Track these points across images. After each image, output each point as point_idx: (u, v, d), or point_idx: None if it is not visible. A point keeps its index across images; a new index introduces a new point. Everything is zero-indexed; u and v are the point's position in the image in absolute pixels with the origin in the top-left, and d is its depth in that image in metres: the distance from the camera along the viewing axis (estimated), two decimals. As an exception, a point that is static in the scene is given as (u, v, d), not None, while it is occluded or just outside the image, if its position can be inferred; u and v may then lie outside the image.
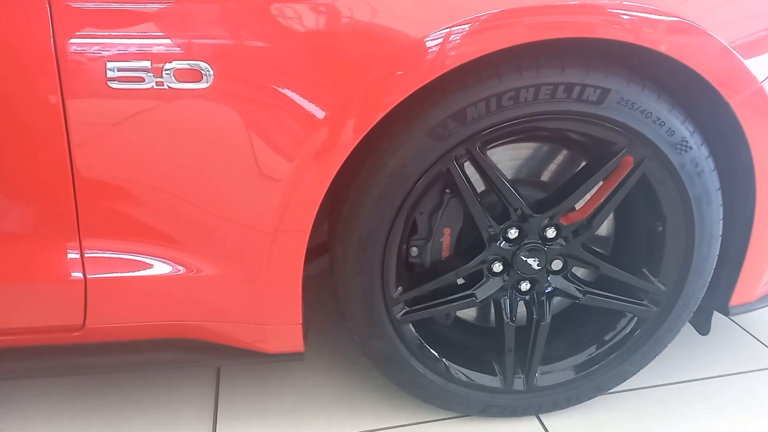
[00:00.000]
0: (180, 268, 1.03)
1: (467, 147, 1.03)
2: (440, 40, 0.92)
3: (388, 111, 0.95)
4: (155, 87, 0.89)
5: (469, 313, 1.33)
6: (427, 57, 0.92)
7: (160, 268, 1.02)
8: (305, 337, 1.18)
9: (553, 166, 1.22)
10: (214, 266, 1.05)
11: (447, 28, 0.91)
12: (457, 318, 1.32)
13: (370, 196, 1.03)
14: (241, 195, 0.98)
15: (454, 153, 1.03)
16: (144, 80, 0.89)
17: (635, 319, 1.22)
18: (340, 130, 0.95)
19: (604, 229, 1.28)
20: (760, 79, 1.03)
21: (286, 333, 1.13)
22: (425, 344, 1.19)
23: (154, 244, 1.00)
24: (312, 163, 0.96)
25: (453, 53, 0.92)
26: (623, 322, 1.23)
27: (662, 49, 0.98)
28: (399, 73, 0.92)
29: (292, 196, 0.98)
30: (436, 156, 1.02)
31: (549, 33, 0.94)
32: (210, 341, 1.18)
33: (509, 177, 1.19)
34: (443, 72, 0.93)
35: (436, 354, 1.20)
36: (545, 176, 1.23)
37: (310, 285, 1.26)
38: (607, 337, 1.24)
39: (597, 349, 1.24)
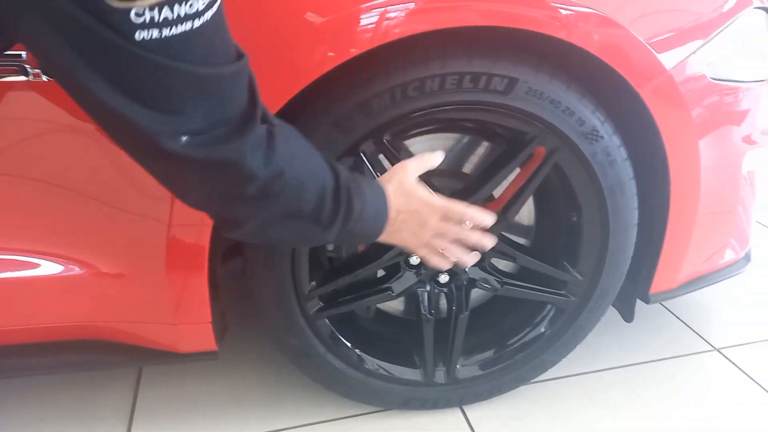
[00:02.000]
0: (73, 267, 0.99)
1: (375, 139, 1.00)
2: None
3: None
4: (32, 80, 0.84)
5: (394, 306, 1.31)
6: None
7: (49, 268, 0.97)
8: (221, 336, 1.15)
9: (474, 158, 1.21)
10: (112, 264, 1.00)
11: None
12: (382, 311, 1.30)
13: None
14: (131, 183, 0.93)
15: (362, 145, 1.00)
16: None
17: (553, 309, 1.22)
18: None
19: (527, 219, 1.27)
20: (669, 68, 1.03)
21: (196, 332, 1.09)
22: (341, 339, 1.16)
23: (40, 242, 0.95)
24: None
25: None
26: (543, 313, 1.23)
27: (572, 39, 0.96)
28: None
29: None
30: (343, 149, 0.99)
31: (451, 21, 0.92)
32: (124, 342, 1.15)
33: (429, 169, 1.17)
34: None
35: (353, 349, 1.18)
36: (467, 168, 1.21)
37: (231, 283, 1.24)
38: (527, 329, 1.24)
39: (517, 340, 1.23)
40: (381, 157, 1.05)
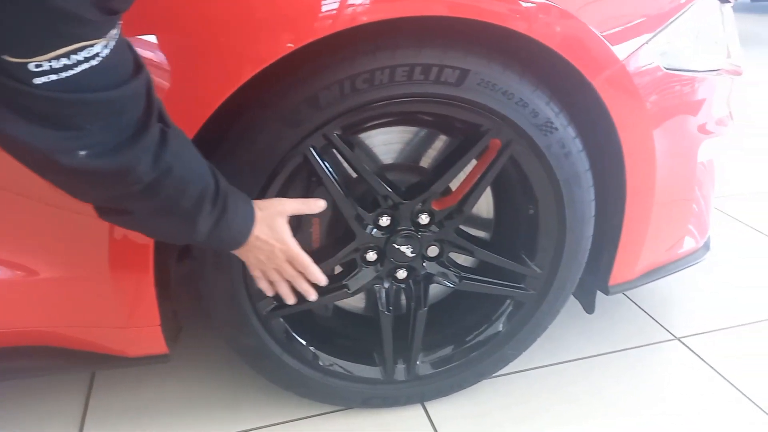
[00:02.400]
0: (12, 271, 0.94)
1: (325, 133, 0.97)
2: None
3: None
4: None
5: (354, 304, 1.29)
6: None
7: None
8: (173, 338, 1.12)
9: (432, 152, 1.19)
10: (53, 266, 0.96)
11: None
12: (342, 309, 1.28)
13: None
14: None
15: (311, 140, 0.97)
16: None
17: (512, 303, 1.21)
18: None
19: (486, 212, 1.26)
20: (622, 58, 1.02)
21: (145, 335, 1.05)
22: (297, 338, 1.14)
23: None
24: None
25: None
26: (502, 307, 1.22)
27: (523, 29, 0.95)
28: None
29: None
30: (292, 144, 0.96)
31: (387, 12, 0.89)
32: (72, 348, 1.11)
33: (387, 162, 1.15)
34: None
35: (309, 348, 1.15)
36: (425, 162, 1.19)
37: (187, 284, 1.20)
38: (486, 324, 1.22)
39: (475, 336, 1.22)
40: (334, 152, 1.02)
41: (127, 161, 0.70)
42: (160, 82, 0.84)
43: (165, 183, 0.75)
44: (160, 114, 0.74)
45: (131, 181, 0.71)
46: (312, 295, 1.02)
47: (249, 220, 0.90)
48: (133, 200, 0.75)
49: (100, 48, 0.62)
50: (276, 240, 0.94)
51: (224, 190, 0.85)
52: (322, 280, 1.01)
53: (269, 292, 1.02)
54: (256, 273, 0.98)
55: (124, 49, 0.67)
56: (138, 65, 0.70)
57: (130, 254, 0.96)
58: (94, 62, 0.61)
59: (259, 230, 0.91)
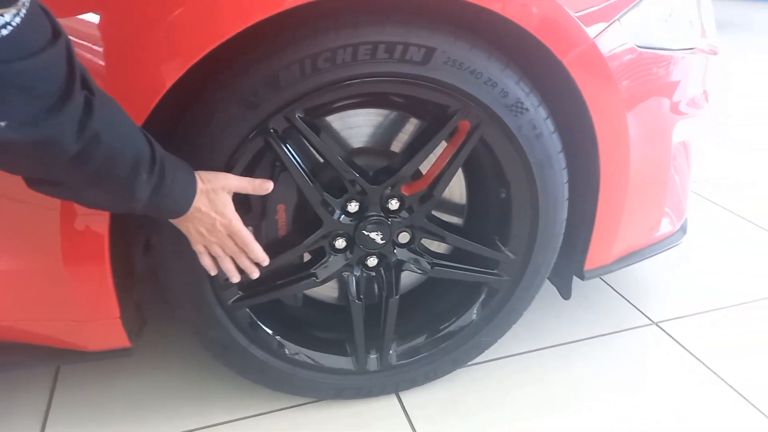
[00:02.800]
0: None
1: (286, 115, 0.93)
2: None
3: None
4: None
5: (325, 293, 1.26)
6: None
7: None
8: (135, 331, 1.08)
9: (403, 136, 1.15)
10: (4, 259, 0.92)
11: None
12: (313, 299, 1.24)
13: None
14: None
15: (271, 122, 0.93)
16: None
17: (486, 290, 1.18)
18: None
19: (459, 197, 1.23)
20: (592, 36, 0.99)
21: (104, 329, 1.01)
22: (263, 328, 1.10)
23: None
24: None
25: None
26: (476, 294, 1.19)
27: (491, 5, 0.92)
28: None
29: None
30: (251, 126, 0.92)
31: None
32: (33, 343, 1.07)
33: (356, 147, 1.12)
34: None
35: (277, 339, 1.12)
36: (396, 146, 1.16)
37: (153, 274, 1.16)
38: (460, 311, 1.20)
39: (449, 324, 1.19)
40: (299, 136, 0.98)
41: (50, 132, 0.67)
42: (100, 62, 0.80)
43: (94, 153, 0.72)
44: (84, 81, 0.70)
45: (56, 152, 0.68)
46: (254, 273, 1.00)
47: (190, 190, 0.88)
48: (62, 171, 0.72)
49: (11, 17, 0.59)
50: (217, 213, 0.92)
51: (161, 158, 0.82)
52: (264, 259, 0.99)
53: (212, 270, 0.99)
54: (198, 247, 0.96)
55: (38, 15, 0.64)
56: (56, 31, 0.66)
57: (84, 244, 0.92)
58: (4, 32, 0.59)
59: (201, 201, 0.89)
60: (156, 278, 1.05)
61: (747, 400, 1.24)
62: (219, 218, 0.92)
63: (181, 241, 0.96)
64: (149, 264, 1.14)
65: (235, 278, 1.00)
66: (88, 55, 0.81)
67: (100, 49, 0.82)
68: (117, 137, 0.75)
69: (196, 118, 0.91)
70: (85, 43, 0.81)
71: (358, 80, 0.93)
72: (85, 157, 0.71)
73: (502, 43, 0.99)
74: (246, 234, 0.96)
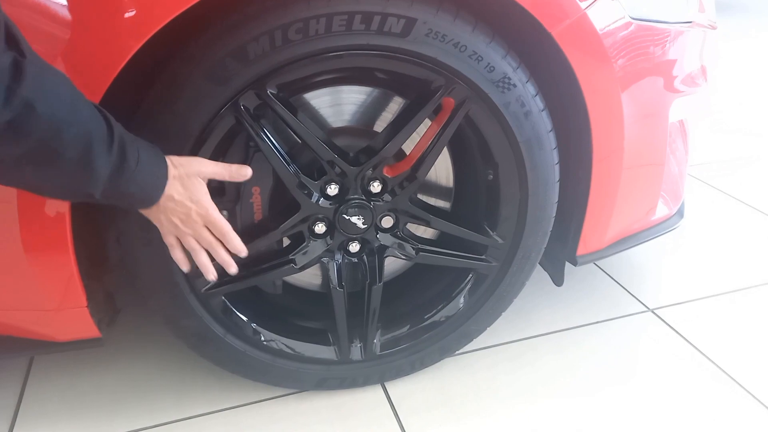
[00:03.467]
0: None
1: (257, 91, 0.88)
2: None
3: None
4: None
5: (308, 280, 1.21)
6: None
7: None
8: (106, 321, 1.03)
9: (387, 115, 1.09)
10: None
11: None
12: (293, 286, 1.20)
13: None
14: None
15: (241, 99, 0.88)
16: None
17: (473, 276, 1.14)
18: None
19: (446, 180, 1.18)
20: (584, 6, 0.93)
21: (72, 318, 0.97)
22: (240, 317, 1.06)
23: None
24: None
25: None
26: (463, 280, 1.15)
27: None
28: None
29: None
30: (220, 103, 0.87)
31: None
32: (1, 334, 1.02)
33: (337, 126, 1.06)
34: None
35: (252, 327, 1.07)
36: (380, 125, 1.10)
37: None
38: (447, 298, 1.15)
39: (435, 312, 1.15)
40: (273, 113, 0.93)
41: None
42: (59, 31, 0.75)
43: (29, 124, 0.64)
44: (14, 39, 0.63)
45: None
46: (232, 267, 0.93)
47: (161, 176, 0.81)
48: None
49: None
50: (192, 201, 0.85)
51: (120, 138, 0.74)
52: (242, 250, 0.92)
53: (184, 265, 0.92)
54: (169, 240, 0.89)
55: None
56: None
57: (45, 230, 0.86)
58: None
59: (173, 188, 0.82)
60: (125, 266, 1.01)
61: (743, 387, 1.20)
62: (195, 207, 0.85)
63: (150, 227, 0.91)
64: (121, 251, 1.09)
65: (211, 275, 0.93)
66: (33, 15, 0.75)
67: (49, 10, 0.76)
68: (58, 109, 0.67)
69: (160, 95, 0.86)
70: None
71: (333, 54, 0.87)
72: (18, 130, 0.64)
73: (487, 13, 0.93)
74: (224, 224, 0.89)
